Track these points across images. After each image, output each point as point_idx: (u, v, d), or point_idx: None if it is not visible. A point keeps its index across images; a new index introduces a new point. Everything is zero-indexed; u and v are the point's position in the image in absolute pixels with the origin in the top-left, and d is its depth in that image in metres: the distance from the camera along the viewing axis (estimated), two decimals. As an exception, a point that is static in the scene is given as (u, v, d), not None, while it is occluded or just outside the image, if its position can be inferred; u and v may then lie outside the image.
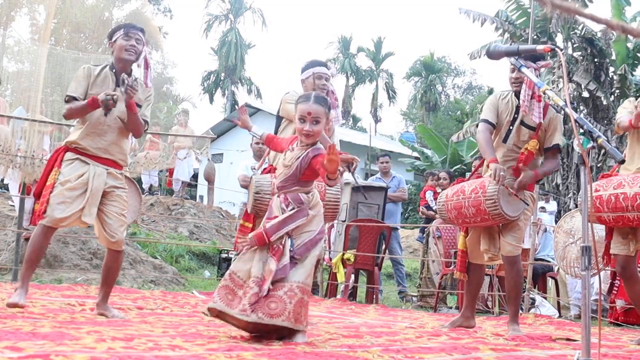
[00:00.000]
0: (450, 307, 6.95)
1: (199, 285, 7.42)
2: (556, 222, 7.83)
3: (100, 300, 3.71)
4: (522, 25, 16.76)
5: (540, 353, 3.02)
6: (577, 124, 2.43)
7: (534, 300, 6.39)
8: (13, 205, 7.88)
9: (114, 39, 3.71)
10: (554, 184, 15.89)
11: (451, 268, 6.43)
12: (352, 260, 6.97)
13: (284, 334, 2.94)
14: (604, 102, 16.06)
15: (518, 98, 4.00)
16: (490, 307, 6.85)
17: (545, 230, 7.49)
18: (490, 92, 24.81)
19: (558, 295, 6.91)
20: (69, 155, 3.63)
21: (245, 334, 3.00)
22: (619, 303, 5.86)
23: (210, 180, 10.27)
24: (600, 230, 4.13)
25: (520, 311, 5.26)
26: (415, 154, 21.90)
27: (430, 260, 7.30)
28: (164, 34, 30.81)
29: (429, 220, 8.71)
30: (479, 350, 2.95)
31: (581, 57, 16.23)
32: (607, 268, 4.39)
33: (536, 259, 6.72)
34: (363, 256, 7.01)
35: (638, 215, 3.61)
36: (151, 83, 3.78)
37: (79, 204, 3.52)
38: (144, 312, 4.06)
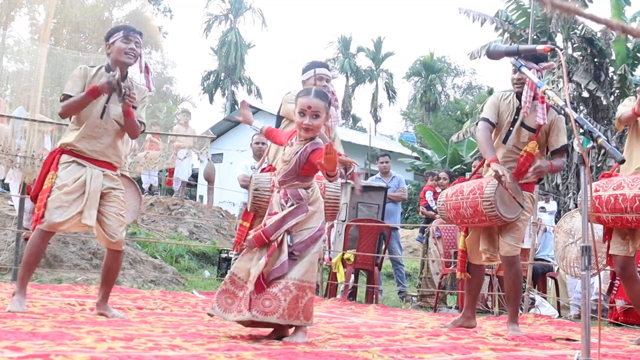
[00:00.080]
0: (450, 307, 6.96)
1: (198, 285, 7.42)
2: (556, 222, 7.83)
3: (100, 300, 3.71)
4: (522, 25, 16.76)
5: (540, 353, 3.02)
6: (577, 124, 2.43)
7: (533, 300, 6.39)
8: (13, 205, 7.88)
9: (112, 40, 3.67)
10: (553, 184, 15.90)
11: (451, 268, 6.43)
12: (352, 260, 6.97)
13: (284, 333, 2.95)
14: (604, 102, 16.07)
15: (519, 99, 4.00)
16: (490, 307, 6.85)
17: (545, 230, 7.49)
18: (490, 92, 24.84)
19: (558, 295, 6.92)
20: (64, 157, 3.59)
21: (244, 333, 3.00)
22: (619, 303, 5.86)
23: (210, 180, 10.27)
24: (600, 230, 4.13)
25: (520, 311, 5.26)
26: (415, 154, 21.91)
27: (430, 260, 7.30)
28: (164, 34, 30.81)
29: (429, 220, 8.71)
30: (479, 350, 2.95)
31: (581, 57, 16.23)
32: (607, 268, 4.39)
33: (536, 259, 6.72)
34: (363, 256, 7.01)
35: (637, 217, 3.61)
36: (154, 87, 3.77)
37: (76, 207, 3.50)
38: (143, 312, 4.06)
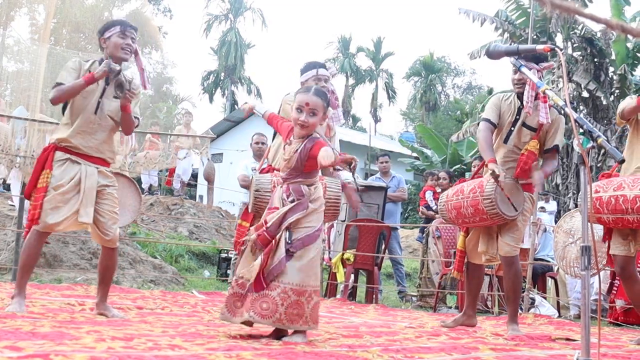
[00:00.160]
0: (450, 307, 6.96)
1: (198, 285, 7.42)
2: (556, 222, 7.83)
3: (99, 300, 3.70)
4: (521, 25, 16.77)
5: (540, 353, 3.02)
6: (577, 124, 2.43)
7: (533, 300, 6.39)
8: (13, 205, 7.88)
9: (107, 35, 3.63)
10: (553, 184, 15.90)
11: (451, 268, 6.43)
12: (352, 260, 6.97)
13: (284, 333, 2.95)
14: (604, 102, 16.07)
15: (520, 99, 4.00)
16: (490, 307, 6.85)
17: (545, 230, 7.49)
18: (490, 92, 24.82)
19: (558, 295, 6.92)
20: (59, 155, 3.56)
21: (244, 333, 3.01)
22: (619, 303, 5.86)
23: (210, 180, 10.27)
24: (600, 230, 4.13)
25: (520, 311, 5.27)
26: (415, 154, 21.91)
27: (430, 260, 7.30)
28: (164, 34, 30.78)
29: (429, 220, 8.71)
30: (479, 350, 2.95)
31: (581, 57, 16.24)
32: (607, 268, 4.39)
33: (536, 259, 6.72)
34: (363, 256, 7.01)
35: (638, 218, 3.60)
36: (149, 84, 3.75)
37: (72, 207, 3.49)
38: (143, 312, 4.06)
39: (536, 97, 3.89)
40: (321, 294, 7.05)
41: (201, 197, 19.48)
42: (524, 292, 5.86)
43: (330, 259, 7.23)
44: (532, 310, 6.14)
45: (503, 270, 4.10)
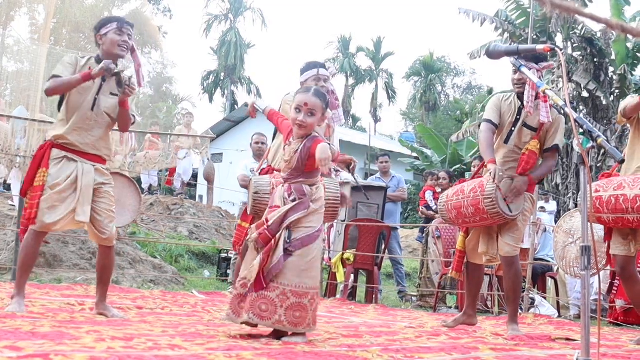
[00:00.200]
0: (450, 307, 6.96)
1: (198, 285, 7.42)
2: (556, 222, 7.83)
3: (98, 300, 3.69)
4: (521, 25, 16.77)
5: (540, 353, 3.02)
6: (577, 124, 2.43)
7: (533, 300, 6.39)
8: (13, 205, 7.88)
9: (104, 32, 3.61)
10: (553, 183, 15.90)
11: (450, 268, 6.43)
12: (352, 260, 6.97)
13: (284, 333, 2.95)
14: (604, 102, 16.07)
15: (520, 99, 4.01)
16: (490, 306, 6.85)
17: (545, 230, 7.49)
18: (490, 92, 24.83)
19: (557, 295, 6.92)
20: (55, 152, 3.54)
21: (244, 333, 3.01)
22: (619, 303, 5.86)
23: (209, 180, 10.27)
24: (600, 230, 4.13)
25: (520, 311, 5.27)
26: (415, 154, 21.91)
27: (430, 260, 7.31)
28: (164, 34, 30.78)
29: (429, 220, 8.71)
30: (479, 350, 2.95)
31: (581, 57, 16.24)
32: (607, 268, 4.39)
33: (536, 259, 6.72)
34: (363, 256, 7.01)
35: (638, 218, 3.60)
36: (144, 82, 3.73)
37: (69, 206, 3.48)
38: (143, 312, 4.06)
39: (536, 97, 3.90)
40: (321, 294, 7.07)
41: (201, 197, 19.48)
42: (524, 292, 5.86)
43: (330, 258, 7.24)
44: (532, 310, 6.14)
45: (503, 270, 4.10)
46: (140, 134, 10.32)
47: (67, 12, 18.08)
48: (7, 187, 9.36)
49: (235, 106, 32.33)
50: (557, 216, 10.57)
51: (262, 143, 6.89)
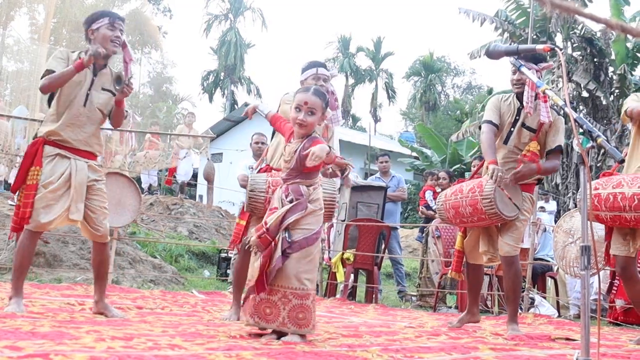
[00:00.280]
0: (450, 307, 6.96)
1: (198, 284, 7.42)
2: (556, 221, 7.83)
3: (98, 298, 3.68)
4: (521, 25, 16.77)
5: (540, 353, 3.02)
6: (577, 124, 2.43)
7: (533, 299, 6.39)
8: (13, 205, 7.88)
9: (95, 27, 3.56)
10: (553, 183, 15.90)
11: (450, 268, 6.43)
12: (352, 259, 6.97)
13: (283, 333, 2.95)
14: (604, 102, 16.07)
15: (520, 100, 4.01)
16: (490, 306, 6.85)
17: (545, 230, 7.49)
18: (490, 91, 24.81)
19: (557, 294, 6.92)
20: (48, 149, 3.50)
21: (244, 333, 3.02)
22: (619, 303, 5.86)
23: (209, 179, 10.27)
24: (599, 229, 4.13)
25: (520, 311, 5.27)
26: (415, 154, 21.91)
27: (430, 260, 7.31)
28: (164, 34, 30.79)
29: (429, 219, 8.71)
30: (478, 349, 2.96)
31: (581, 57, 16.24)
32: (606, 268, 4.39)
33: (535, 259, 6.72)
34: (362, 256, 7.01)
35: (635, 216, 3.60)
36: (133, 77, 3.67)
37: (63, 204, 3.46)
38: (143, 312, 4.06)
39: (536, 97, 3.90)
40: (321, 294, 7.08)
41: (201, 196, 19.48)
42: (523, 291, 5.86)
43: (330, 258, 7.24)
44: (531, 310, 6.14)
45: (503, 270, 4.10)
46: (140, 134, 10.32)
47: (67, 12, 18.08)
48: (8, 186, 9.36)
49: (235, 106, 32.33)
50: (557, 216, 10.57)
51: (262, 143, 6.88)
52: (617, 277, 5.11)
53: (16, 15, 17.93)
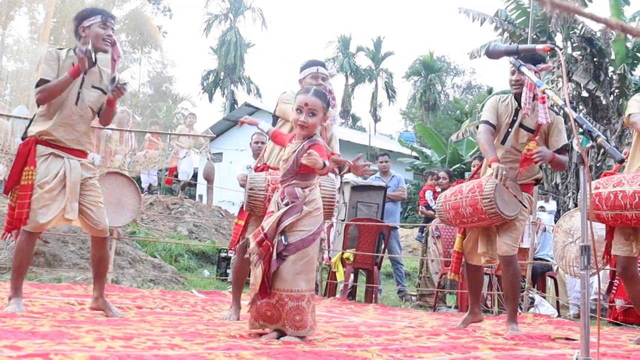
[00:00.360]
0: (450, 307, 6.96)
1: (198, 284, 7.42)
2: (555, 221, 7.83)
3: (97, 295, 3.67)
4: (521, 24, 16.76)
5: (540, 352, 3.02)
6: (577, 124, 2.43)
7: (533, 299, 6.39)
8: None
9: (87, 24, 3.54)
10: (553, 183, 15.90)
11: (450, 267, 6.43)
12: (352, 259, 6.97)
13: (283, 332, 2.95)
14: (603, 102, 16.06)
15: (518, 101, 4.01)
16: (489, 306, 6.85)
17: (545, 230, 7.49)
18: (490, 91, 24.81)
19: (557, 294, 6.92)
20: (41, 149, 3.48)
21: (244, 332, 3.02)
22: (618, 302, 5.86)
23: (209, 179, 10.27)
24: (599, 229, 4.13)
25: (520, 310, 5.27)
26: (415, 154, 21.90)
27: (430, 260, 7.31)
28: (164, 33, 30.79)
29: (428, 219, 8.70)
30: (478, 349, 2.96)
31: (580, 57, 16.23)
32: (606, 267, 4.39)
33: (535, 259, 6.72)
34: (362, 255, 7.01)
35: (636, 214, 3.60)
36: (117, 73, 3.65)
37: (60, 204, 3.45)
38: (143, 311, 4.06)
39: (534, 98, 3.90)
40: (321, 294, 7.08)
41: (201, 196, 19.48)
42: (523, 291, 5.86)
43: (329, 258, 7.24)
44: (531, 309, 6.14)
45: (502, 270, 4.11)
46: (139, 134, 10.32)
47: (67, 12, 18.05)
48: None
49: (235, 106, 32.32)
50: (557, 216, 10.57)
51: (262, 142, 6.87)
52: (616, 277, 5.11)
53: (16, 15, 17.93)
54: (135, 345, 2.37)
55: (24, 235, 3.46)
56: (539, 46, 2.94)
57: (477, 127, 4.34)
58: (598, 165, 14.89)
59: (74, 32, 3.62)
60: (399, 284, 7.86)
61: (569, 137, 14.24)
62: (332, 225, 7.32)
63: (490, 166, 3.96)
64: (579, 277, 4.36)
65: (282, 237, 2.92)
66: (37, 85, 3.47)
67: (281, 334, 2.94)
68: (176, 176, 11.51)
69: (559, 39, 17.06)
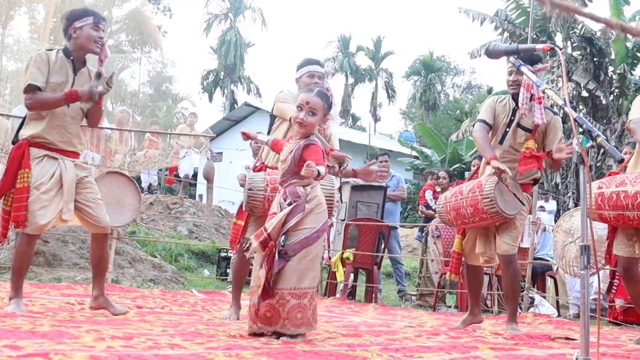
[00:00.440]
0: (450, 306, 6.96)
1: (198, 284, 7.42)
2: (555, 221, 7.83)
3: (98, 293, 3.66)
4: (521, 24, 16.77)
5: (539, 352, 3.02)
6: (577, 123, 2.43)
7: (533, 299, 6.39)
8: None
9: (79, 25, 3.50)
10: (553, 183, 15.90)
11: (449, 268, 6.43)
12: (352, 259, 6.97)
13: (283, 332, 2.95)
14: (603, 102, 16.07)
15: (515, 101, 4.02)
16: (489, 306, 6.85)
17: (545, 230, 7.49)
18: (490, 91, 24.81)
19: (557, 294, 6.92)
20: (35, 152, 3.46)
21: (244, 332, 3.02)
22: (618, 302, 5.86)
23: (209, 179, 10.26)
24: (599, 229, 4.13)
25: (520, 310, 5.27)
26: (415, 153, 21.90)
27: (429, 260, 7.31)
28: (164, 33, 30.76)
29: (428, 219, 8.70)
30: (478, 349, 2.96)
31: (580, 57, 16.24)
32: (606, 267, 4.39)
33: (535, 258, 6.72)
34: (362, 255, 7.01)
35: (638, 215, 3.60)
36: (102, 69, 3.63)
37: (57, 204, 3.44)
38: (143, 311, 4.06)
39: (531, 99, 3.92)
40: (321, 293, 7.07)
41: (201, 196, 19.47)
42: (523, 291, 5.86)
43: (329, 258, 7.24)
44: (531, 309, 6.15)
45: (502, 269, 4.11)
46: (139, 133, 10.31)
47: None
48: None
49: (235, 105, 32.29)
50: (557, 215, 10.57)
51: (270, 149, 6.87)
52: (616, 277, 5.11)
53: (16, 15, 17.92)
54: (135, 344, 2.37)
55: (24, 238, 3.45)
56: (539, 46, 2.94)
57: (472, 126, 4.35)
58: (598, 165, 14.90)
59: (63, 31, 3.59)
60: (399, 284, 7.87)
61: (568, 137, 14.29)
62: (332, 225, 7.32)
63: (489, 164, 3.97)
64: (579, 277, 4.36)
65: (281, 239, 2.92)
66: (27, 91, 3.42)
67: (280, 334, 2.93)
68: (177, 176, 11.50)
69: (559, 38, 17.07)
